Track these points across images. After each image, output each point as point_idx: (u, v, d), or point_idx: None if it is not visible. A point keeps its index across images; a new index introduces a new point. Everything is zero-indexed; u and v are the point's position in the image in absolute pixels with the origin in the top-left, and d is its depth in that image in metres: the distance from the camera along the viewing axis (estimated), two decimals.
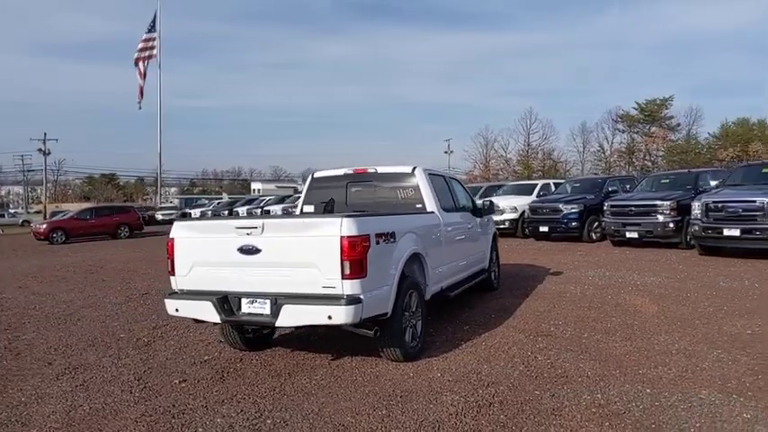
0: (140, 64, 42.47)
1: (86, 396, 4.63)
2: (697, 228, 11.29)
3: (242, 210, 34.44)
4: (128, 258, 16.21)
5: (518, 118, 74.60)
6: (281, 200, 34.50)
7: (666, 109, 65.46)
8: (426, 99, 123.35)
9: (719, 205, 10.91)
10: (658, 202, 12.88)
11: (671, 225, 12.70)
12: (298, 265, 4.53)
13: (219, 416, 4.09)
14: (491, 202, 8.35)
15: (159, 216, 40.40)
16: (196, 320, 5.23)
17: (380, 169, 6.64)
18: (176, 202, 56.82)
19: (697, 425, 3.62)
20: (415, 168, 6.45)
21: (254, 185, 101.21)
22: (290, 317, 4.50)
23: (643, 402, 4.01)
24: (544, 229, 15.79)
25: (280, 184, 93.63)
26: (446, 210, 6.57)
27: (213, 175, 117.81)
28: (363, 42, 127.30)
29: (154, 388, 4.77)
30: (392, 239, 4.92)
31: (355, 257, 4.37)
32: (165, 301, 5.11)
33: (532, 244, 15.60)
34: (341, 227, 4.39)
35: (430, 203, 6.28)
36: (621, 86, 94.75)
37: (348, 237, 4.37)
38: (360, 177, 6.71)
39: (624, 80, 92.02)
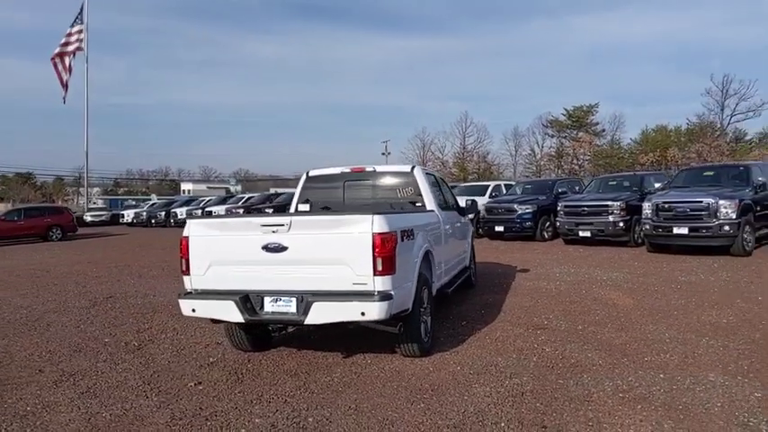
0: (66, 57, 40.02)
1: (100, 403, 4.40)
2: (648, 227, 12.05)
3: (180, 211, 33.24)
4: (72, 261, 15.32)
5: (454, 121, 76.52)
6: (222, 200, 33.65)
7: (592, 115, 68.99)
8: (361, 101, 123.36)
9: (669, 206, 11.69)
10: (609, 203, 13.61)
11: (621, 224, 13.45)
12: (327, 262, 4.51)
13: (256, 416, 4.01)
14: (474, 201, 8.57)
15: (89, 218, 38.28)
16: (213, 321, 5.09)
17: (379, 168, 6.70)
18: (100, 202, 54.00)
19: (718, 404, 3.92)
20: (414, 167, 6.55)
21: (185, 186, 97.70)
22: (321, 314, 4.47)
23: (662, 386, 4.29)
24: (499, 228, 16.30)
25: (211, 185, 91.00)
26: (441, 208, 6.71)
27: (139, 175, 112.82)
28: (296, 42, 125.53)
29: (169, 392, 4.61)
30: (412, 237, 4.99)
31: (387, 254, 4.41)
32: (180, 301, 4.93)
33: (489, 243, 16.06)
34: (372, 224, 4.42)
35: (429, 202, 6.40)
36: (550, 93, 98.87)
37: (380, 233, 4.40)
38: (358, 176, 6.73)
39: (553, 87, 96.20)
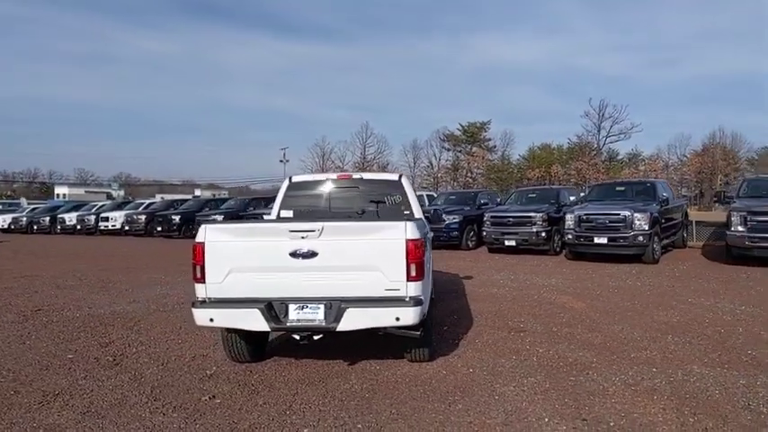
0: None
1: (112, 423, 4.06)
2: (571, 236, 13.06)
3: (69, 216, 30.60)
4: None
5: (355, 131, 77.25)
6: (118, 206, 31.43)
7: (485, 132, 73.00)
8: (256, 106, 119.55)
9: (590, 217, 12.77)
10: (533, 214, 14.57)
11: (543, 234, 14.44)
12: (358, 268, 4.50)
13: (303, 426, 3.92)
14: (437, 210, 8.83)
15: None
16: (229, 331, 4.86)
17: (366, 176, 6.75)
18: None
19: (717, 392, 4.43)
20: (401, 176, 6.68)
21: (59, 189, 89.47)
22: (354, 321, 4.45)
23: (661, 379, 4.75)
24: None
25: (90, 189, 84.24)
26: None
27: (3, 176, 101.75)
28: (183, 40, 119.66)
29: (186, 407, 4.34)
30: (427, 244, 5.12)
31: (419, 260, 4.50)
32: (194, 311, 4.65)
33: None
34: (405, 230, 4.50)
35: (417, 211, 6.55)
36: (447, 108, 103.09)
37: (413, 240, 4.49)
38: (344, 183, 6.72)
39: (449, 102, 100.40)
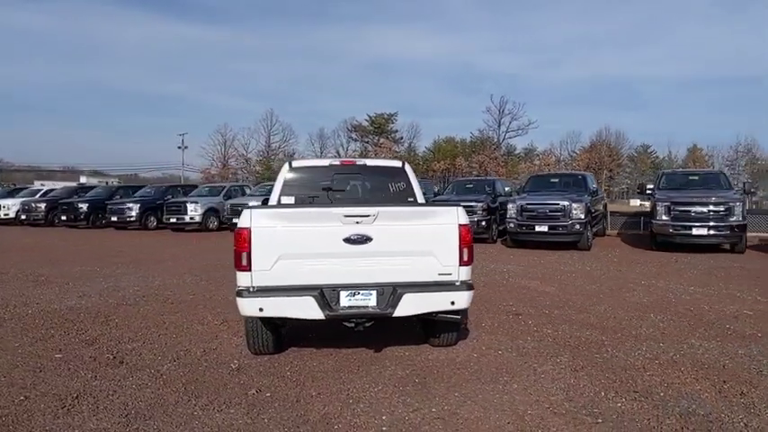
0: None
1: (171, 423, 3.75)
2: (513, 225, 13.71)
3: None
4: None
5: (260, 118, 75.17)
6: (9, 193, 28.34)
7: (392, 123, 74.19)
8: (146, 89, 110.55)
9: (531, 207, 13.48)
10: (474, 204, 15.07)
11: (483, 223, 15.02)
12: (412, 253, 4.48)
13: (381, 414, 3.85)
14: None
15: None
16: (280, 320, 4.62)
17: (369, 162, 6.69)
18: None
19: (727, 361, 4.91)
20: (404, 163, 6.67)
21: None
22: (411, 306, 4.42)
23: (674, 352, 5.17)
24: None
25: None
26: None
27: None
28: (59, 12, 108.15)
29: (239, 403, 4.08)
30: None
31: (469, 244, 4.57)
32: (240, 300, 4.38)
33: None
34: (458, 216, 4.54)
35: (420, 198, 6.58)
36: (355, 98, 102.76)
37: (464, 225, 4.55)
38: (348, 169, 6.59)
39: (357, 93, 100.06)
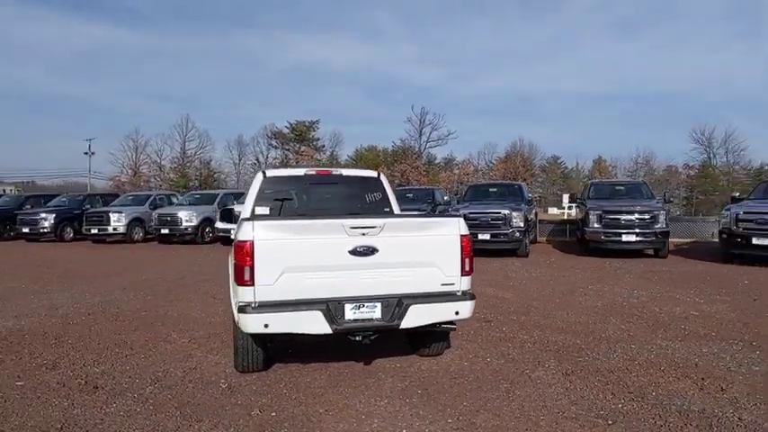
0: None
1: None
2: None
3: None
4: None
5: (174, 124, 72.22)
6: None
7: (314, 131, 73.75)
8: (45, 91, 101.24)
9: (474, 215, 13.83)
10: (416, 213, 15.26)
11: None
12: (417, 264, 4.47)
13: (400, 428, 3.81)
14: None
15: None
16: (281, 336, 4.41)
17: (345, 172, 6.60)
18: None
19: (697, 359, 5.26)
20: (380, 173, 6.65)
21: None
22: (417, 317, 4.39)
23: (649, 353, 5.48)
24: None
25: None
26: None
27: None
28: None
29: (248, 426, 3.88)
30: None
31: (470, 255, 4.64)
32: (243, 317, 4.15)
33: None
34: (459, 226, 4.60)
35: (396, 207, 6.59)
36: (275, 105, 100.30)
37: (465, 235, 4.62)
38: (323, 179, 6.47)
39: (277, 99, 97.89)
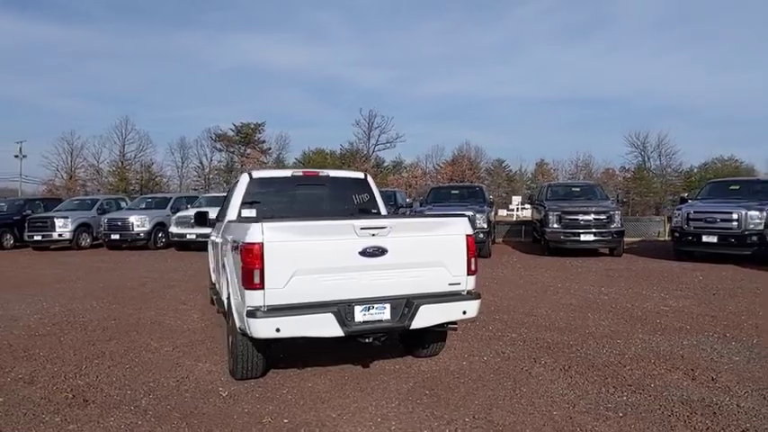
0: None
1: None
2: None
3: None
4: None
5: (113, 126, 69.44)
6: None
7: (260, 133, 72.55)
8: None
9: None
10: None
11: None
12: (425, 264, 4.47)
13: (422, 430, 3.79)
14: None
15: None
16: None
17: (332, 173, 6.54)
18: None
19: (680, 352, 5.50)
20: (366, 175, 6.62)
21: None
22: (427, 317, 4.39)
23: (636, 347, 5.68)
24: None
25: None
26: None
27: None
28: None
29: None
30: None
31: (475, 254, 4.68)
32: (253, 321, 4.00)
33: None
34: (465, 226, 4.64)
35: (383, 209, 6.57)
36: (218, 107, 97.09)
37: (471, 235, 4.66)
38: (311, 180, 6.37)
39: (219, 101, 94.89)
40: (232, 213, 5.99)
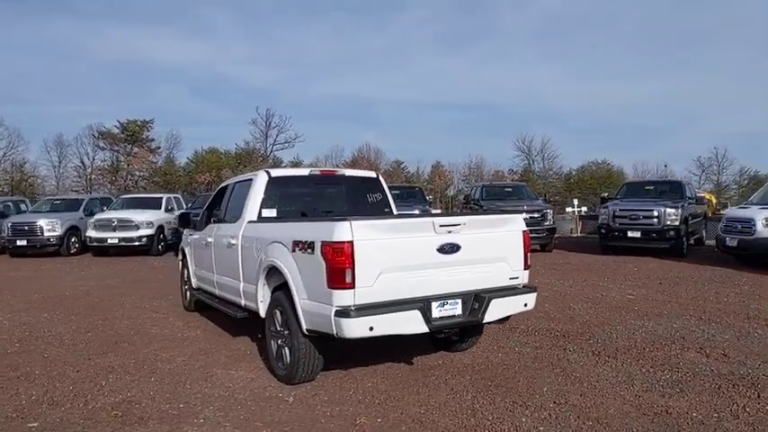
0: None
1: None
2: None
3: None
4: None
5: None
6: None
7: (148, 131, 68.09)
8: None
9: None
10: None
11: None
12: (491, 260, 4.61)
13: (518, 416, 3.92)
14: None
15: None
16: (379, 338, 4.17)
17: (348, 172, 6.50)
18: None
19: (679, 335, 6.11)
20: (378, 174, 6.61)
21: None
22: (497, 311, 4.53)
23: (635, 331, 6.20)
24: None
25: None
26: None
27: None
28: None
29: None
30: None
31: (529, 249, 4.92)
32: (346, 321, 3.87)
33: None
34: (522, 223, 4.86)
35: (394, 208, 6.61)
36: (102, 102, 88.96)
37: (526, 231, 4.88)
38: (329, 179, 6.26)
39: (101, 97, 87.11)
40: (252, 213, 5.73)
